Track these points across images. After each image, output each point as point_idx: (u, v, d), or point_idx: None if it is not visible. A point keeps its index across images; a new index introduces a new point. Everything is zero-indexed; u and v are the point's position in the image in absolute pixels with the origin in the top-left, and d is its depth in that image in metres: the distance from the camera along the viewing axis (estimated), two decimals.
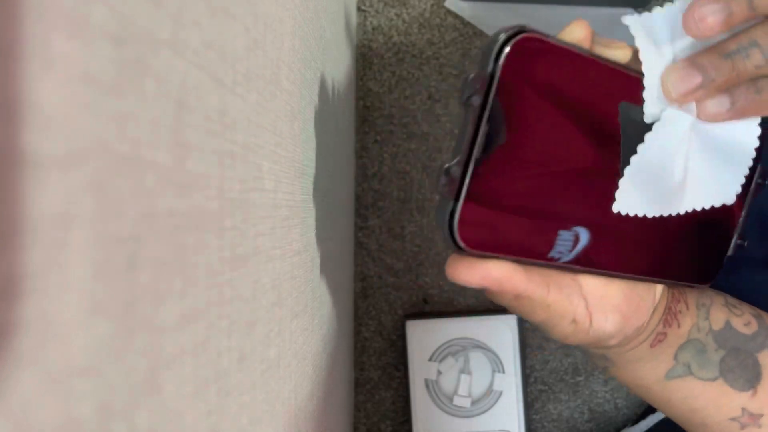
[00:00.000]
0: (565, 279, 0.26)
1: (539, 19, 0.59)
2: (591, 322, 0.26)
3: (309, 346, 0.30)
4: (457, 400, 0.57)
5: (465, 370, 0.57)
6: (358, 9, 0.61)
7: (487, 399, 0.57)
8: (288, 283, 0.25)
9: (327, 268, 0.36)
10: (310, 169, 0.30)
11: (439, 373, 0.57)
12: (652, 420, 0.56)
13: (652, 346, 0.29)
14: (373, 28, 0.61)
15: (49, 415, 0.10)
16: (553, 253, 0.24)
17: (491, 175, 0.22)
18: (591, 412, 0.61)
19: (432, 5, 0.60)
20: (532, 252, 0.23)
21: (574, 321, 0.25)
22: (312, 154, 0.30)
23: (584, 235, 0.24)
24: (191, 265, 0.15)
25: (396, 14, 0.61)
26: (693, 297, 0.30)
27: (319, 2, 0.33)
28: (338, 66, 0.43)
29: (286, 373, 0.25)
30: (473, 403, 0.57)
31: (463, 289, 0.61)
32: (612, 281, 0.27)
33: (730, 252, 0.29)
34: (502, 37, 0.21)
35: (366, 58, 0.61)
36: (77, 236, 0.10)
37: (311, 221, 0.30)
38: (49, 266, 0.10)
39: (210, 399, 0.16)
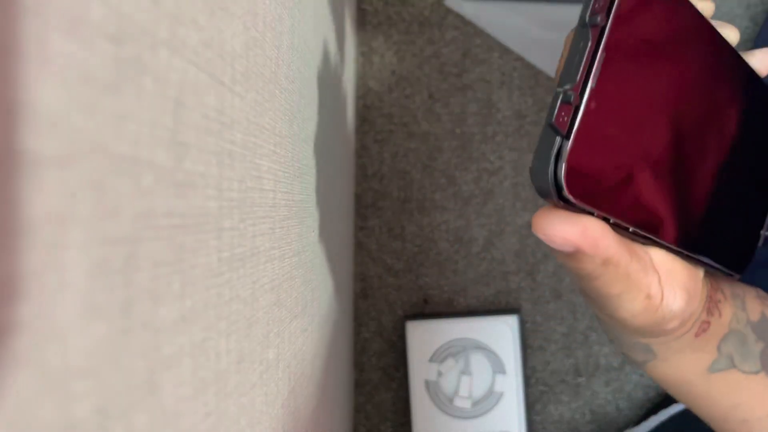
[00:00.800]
0: (640, 249, 0.24)
1: (540, 19, 0.59)
2: (663, 298, 0.25)
3: (308, 347, 0.30)
4: (457, 402, 0.57)
5: (465, 371, 0.57)
6: (359, 7, 0.61)
7: (487, 400, 0.57)
8: (287, 284, 0.25)
9: (327, 268, 0.36)
10: (310, 169, 0.30)
11: (440, 374, 0.57)
12: (653, 422, 0.55)
13: (696, 335, 0.28)
14: (373, 27, 0.61)
15: (47, 416, 0.10)
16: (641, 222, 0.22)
17: (601, 117, 0.19)
18: (592, 414, 0.61)
19: (432, 4, 0.60)
20: (629, 217, 0.21)
21: (648, 296, 0.24)
22: (311, 154, 0.30)
23: (668, 209, 0.23)
24: (189, 265, 0.15)
25: (396, 13, 0.61)
26: (728, 287, 0.30)
27: (318, 1, 0.33)
28: (338, 65, 0.43)
29: (286, 374, 0.25)
30: (474, 404, 0.57)
31: (464, 290, 0.61)
32: (676, 258, 0.25)
33: (760, 243, 0.28)
34: None
35: (366, 57, 0.61)
36: (75, 236, 0.10)
37: (311, 221, 0.30)
38: (47, 266, 0.10)
39: (208, 400, 0.16)
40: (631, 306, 0.24)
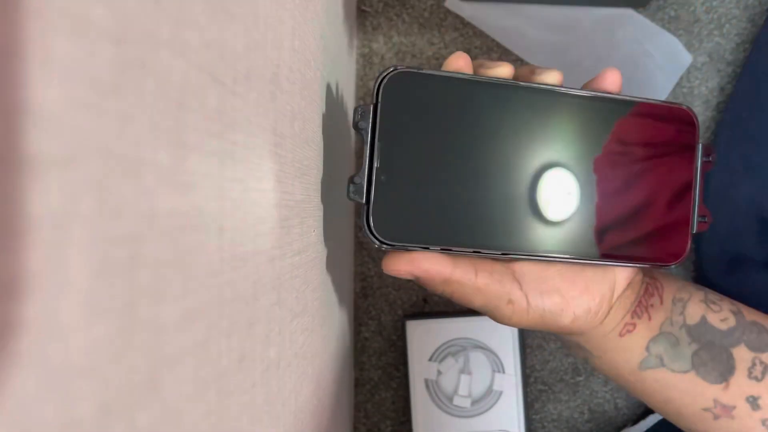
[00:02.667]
0: (496, 265, 0.28)
1: (540, 21, 0.59)
2: (528, 301, 0.27)
3: (309, 346, 0.30)
4: (457, 400, 0.57)
5: (465, 370, 0.57)
6: (359, 9, 0.61)
7: (487, 399, 0.57)
8: (288, 284, 0.25)
9: (327, 268, 0.36)
10: (310, 170, 0.30)
11: (439, 373, 0.57)
12: (651, 420, 0.56)
13: (620, 335, 0.31)
14: (374, 28, 0.61)
15: (49, 415, 0.10)
16: (474, 242, 0.27)
17: (395, 180, 0.26)
18: (591, 412, 0.61)
19: (432, 5, 0.60)
20: (452, 241, 0.26)
21: (510, 301, 0.27)
22: (312, 154, 0.30)
23: (501, 222, 0.27)
24: (191, 265, 0.15)
25: (396, 14, 0.61)
26: (670, 292, 0.32)
27: (319, 2, 0.33)
28: (338, 66, 0.43)
29: (286, 373, 0.25)
30: (473, 403, 0.57)
31: None
32: (550, 265, 0.28)
33: (694, 230, 0.30)
34: (379, 74, 0.26)
35: (366, 58, 0.61)
36: (77, 236, 0.10)
37: (311, 221, 0.30)
38: (49, 266, 0.10)
39: (210, 399, 0.16)
40: (500, 312, 0.28)
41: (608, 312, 0.30)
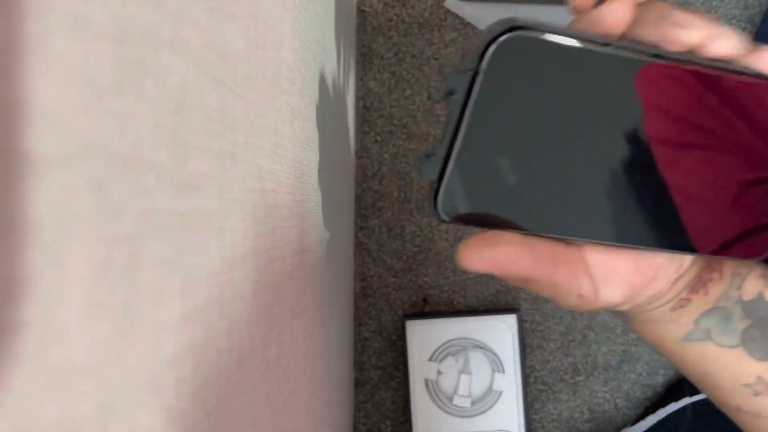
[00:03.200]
0: (573, 254, 0.26)
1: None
2: (597, 296, 0.26)
3: (309, 346, 0.30)
4: (457, 400, 0.57)
5: (465, 370, 0.57)
6: (359, 9, 0.61)
7: (487, 399, 0.57)
8: (288, 283, 0.25)
9: (327, 268, 0.36)
10: (311, 170, 0.30)
11: (439, 373, 0.57)
12: (651, 420, 0.56)
13: (672, 309, 0.29)
14: (373, 29, 0.61)
15: (50, 415, 0.10)
16: (555, 225, 0.24)
17: (479, 158, 0.23)
18: (591, 412, 0.61)
19: (432, 6, 0.60)
20: (535, 224, 0.24)
21: (580, 296, 0.26)
22: (312, 155, 0.30)
23: (585, 207, 0.24)
24: (191, 265, 0.15)
25: (396, 15, 0.61)
26: (730, 266, 0.30)
27: (319, 2, 0.33)
28: (338, 66, 0.43)
29: (286, 373, 0.25)
30: (473, 403, 0.57)
31: (463, 289, 0.61)
32: (623, 252, 0.26)
33: None
34: (488, 34, 0.21)
35: (366, 59, 0.61)
36: (77, 236, 0.10)
37: (311, 221, 0.30)
38: (50, 266, 0.10)
39: (210, 399, 0.16)
40: (565, 303, 0.26)
41: (667, 292, 0.29)
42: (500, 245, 0.23)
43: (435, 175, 0.23)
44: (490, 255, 0.23)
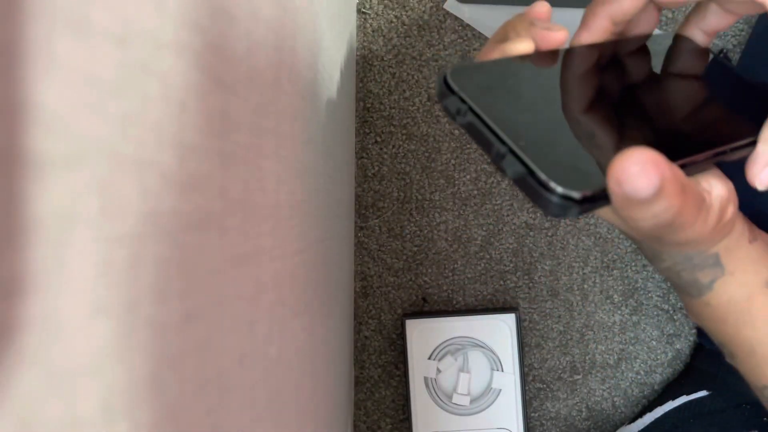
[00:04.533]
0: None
1: None
2: (711, 190, 0.27)
3: (309, 344, 0.31)
4: (456, 398, 0.57)
5: (464, 368, 0.57)
6: (358, 11, 0.61)
7: (485, 397, 0.57)
8: (289, 282, 0.25)
9: (327, 267, 0.36)
10: (311, 170, 0.30)
11: (439, 371, 0.58)
12: (648, 418, 0.56)
13: (750, 241, 0.30)
14: (373, 31, 0.61)
15: (53, 413, 0.10)
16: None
17: (532, 138, 0.24)
18: (589, 411, 0.61)
19: (431, 7, 0.60)
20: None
21: (703, 196, 0.26)
22: (312, 155, 0.30)
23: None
24: (193, 264, 0.15)
25: (396, 16, 0.61)
26: (764, 238, 0.32)
27: (319, 5, 0.33)
28: (338, 68, 0.43)
29: (287, 371, 0.25)
30: (472, 401, 0.57)
31: (462, 288, 0.61)
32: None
33: None
34: (443, 73, 0.25)
35: (366, 60, 0.61)
36: (81, 236, 0.10)
37: (312, 221, 0.30)
38: (53, 265, 0.10)
39: (211, 397, 0.16)
40: (689, 227, 0.25)
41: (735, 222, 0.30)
42: (655, 155, 0.22)
43: (522, 169, 0.23)
44: (655, 157, 0.21)
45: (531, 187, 0.22)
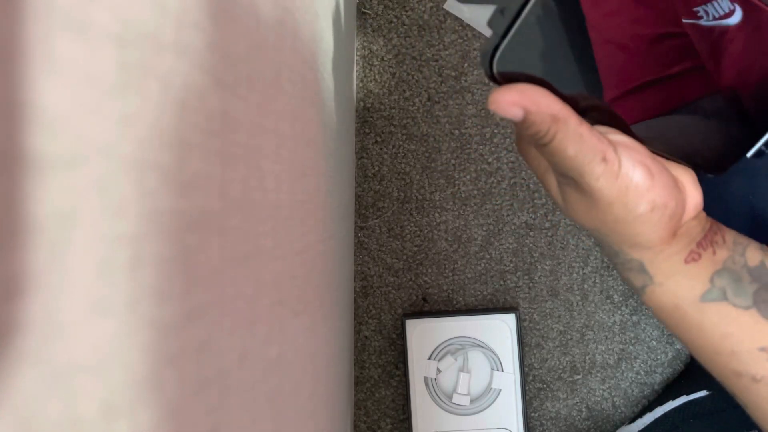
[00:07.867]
0: (595, 127, 0.27)
1: None
2: (620, 164, 0.27)
3: (310, 344, 0.31)
4: (456, 398, 0.57)
5: (464, 368, 0.57)
6: (359, 11, 0.61)
7: (485, 397, 0.57)
8: (289, 282, 0.25)
9: (327, 267, 0.36)
10: (311, 170, 0.30)
11: (439, 371, 0.58)
12: (648, 418, 0.56)
13: (686, 261, 0.31)
14: (373, 30, 0.61)
15: (53, 412, 0.10)
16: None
17: (525, 36, 0.25)
18: (589, 410, 0.61)
19: (431, 7, 0.60)
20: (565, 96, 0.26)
21: (604, 159, 0.27)
22: (313, 155, 0.30)
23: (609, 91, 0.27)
24: (193, 264, 0.15)
25: (396, 16, 0.61)
26: (731, 235, 0.32)
27: (319, 4, 0.33)
28: (338, 68, 0.43)
29: (287, 371, 0.25)
30: (472, 401, 0.57)
31: (462, 288, 0.61)
32: (637, 142, 0.28)
33: (750, 154, 0.30)
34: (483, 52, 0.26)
35: (366, 60, 0.61)
36: (81, 235, 0.10)
37: (312, 221, 0.30)
38: (54, 265, 0.10)
39: (211, 397, 0.16)
40: (591, 168, 0.27)
41: (676, 231, 0.30)
42: (526, 85, 0.25)
43: (501, 30, 0.25)
44: (519, 89, 0.24)
45: (490, 40, 0.26)
